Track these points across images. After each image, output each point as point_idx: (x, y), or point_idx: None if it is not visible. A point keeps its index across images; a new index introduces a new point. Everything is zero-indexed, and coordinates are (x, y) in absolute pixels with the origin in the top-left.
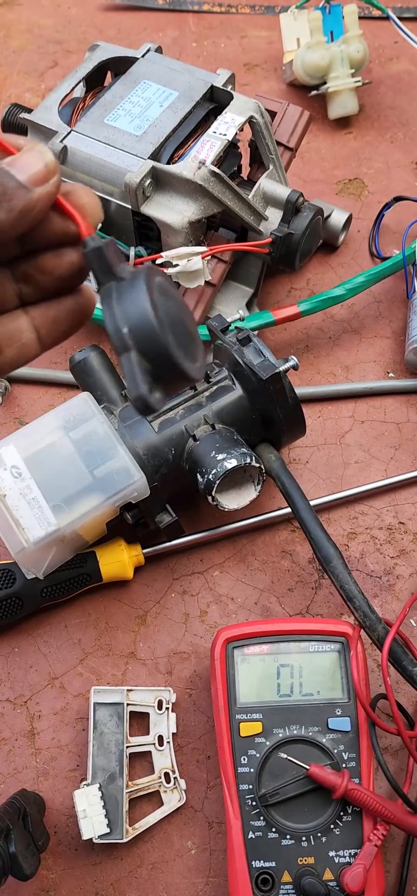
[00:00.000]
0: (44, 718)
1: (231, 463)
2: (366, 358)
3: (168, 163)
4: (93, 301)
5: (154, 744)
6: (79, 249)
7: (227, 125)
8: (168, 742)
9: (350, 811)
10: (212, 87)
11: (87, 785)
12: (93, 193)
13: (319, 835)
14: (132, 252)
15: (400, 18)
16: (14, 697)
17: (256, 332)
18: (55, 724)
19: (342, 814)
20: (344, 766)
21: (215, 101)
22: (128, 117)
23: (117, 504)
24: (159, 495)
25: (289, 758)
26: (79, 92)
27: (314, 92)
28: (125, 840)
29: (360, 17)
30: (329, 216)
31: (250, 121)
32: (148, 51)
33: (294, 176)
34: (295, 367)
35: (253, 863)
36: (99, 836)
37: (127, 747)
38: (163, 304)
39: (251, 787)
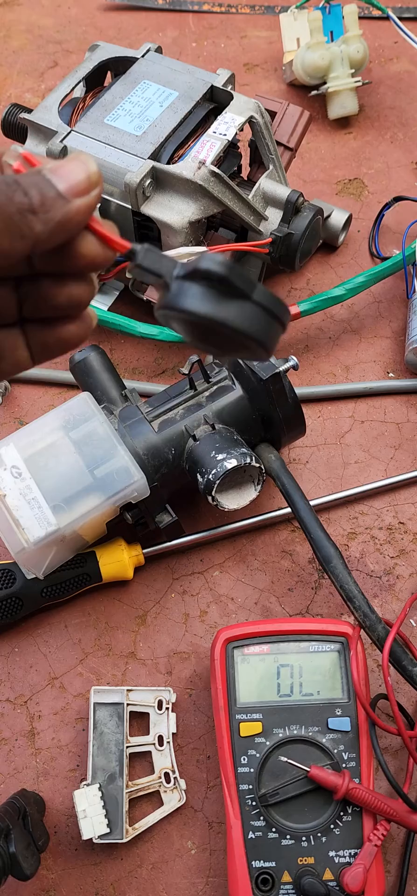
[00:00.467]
0: (44, 718)
1: (231, 463)
2: (366, 358)
3: (168, 163)
4: (91, 326)
5: (154, 744)
6: (82, 283)
7: (227, 125)
8: (168, 742)
9: (350, 811)
10: (212, 87)
11: (87, 785)
12: (111, 224)
13: (319, 835)
14: None
15: (400, 18)
16: (14, 697)
17: None
18: (55, 724)
19: (342, 814)
20: (344, 766)
21: (215, 101)
22: (128, 117)
23: (117, 504)
24: (159, 495)
25: (289, 760)
26: (79, 92)
27: (314, 92)
28: (125, 840)
29: (360, 17)
30: (329, 216)
31: (250, 121)
32: (148, 51)
33: (294, 176)
34: (294, 367)
35: (253, 863)
36: (99, 836)
37: (127, 747)
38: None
39: (251, 787)
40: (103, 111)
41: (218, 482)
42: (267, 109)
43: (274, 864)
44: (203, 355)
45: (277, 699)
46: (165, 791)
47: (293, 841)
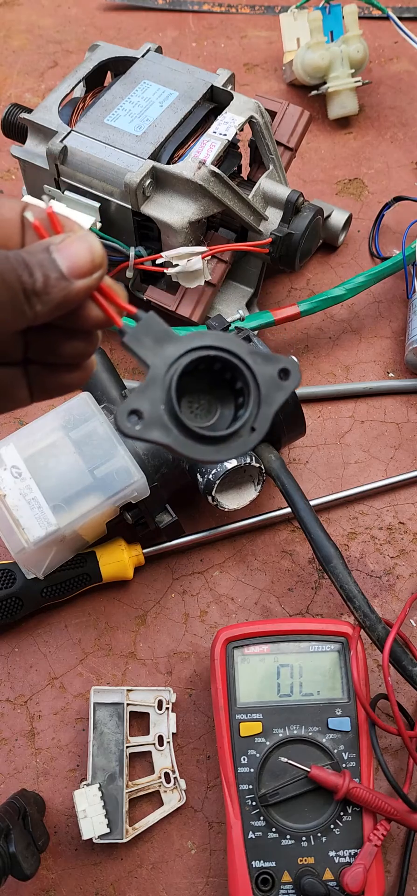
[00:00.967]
0: (44, 718)
1: (231, 463)
2: (366, 358)
3: (168, 163)
4: (91, 372)
5: (154, 744)
6: (86, 338)
7: (227, 125)
8: (168, 742)
9: (350, 811)
10: (212, 87)
11: (87, 785)
12: (121, 285)
13: (319, 835)
14: (132, 252)
15: (400, 18)
16: (14, 697)
17: (256, 332)
18: (55, 724)
19: (342, 814)
20: (344, 766)
21: (215, 101)
22: (128, 117)
23: (117, 504)
24: (159, 495)
25: (289, 761)
26: (79, 92)
27: (314, 92)
28: (125, 840)
29: (360, 17)
30: (329, 216)
31: (250, 121)
32: (148, 51)
33: (294, 176)
34: None
35: (253, 863)
36: (99, 836)
37: (127, 747)
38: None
39: (251, 787)
40: (103, 111)
41: (218, 482)
42: (267, 109)
43: (274, 864)
44: None
45: (277, 699)
46: (165, 791)
47: (293, 841)
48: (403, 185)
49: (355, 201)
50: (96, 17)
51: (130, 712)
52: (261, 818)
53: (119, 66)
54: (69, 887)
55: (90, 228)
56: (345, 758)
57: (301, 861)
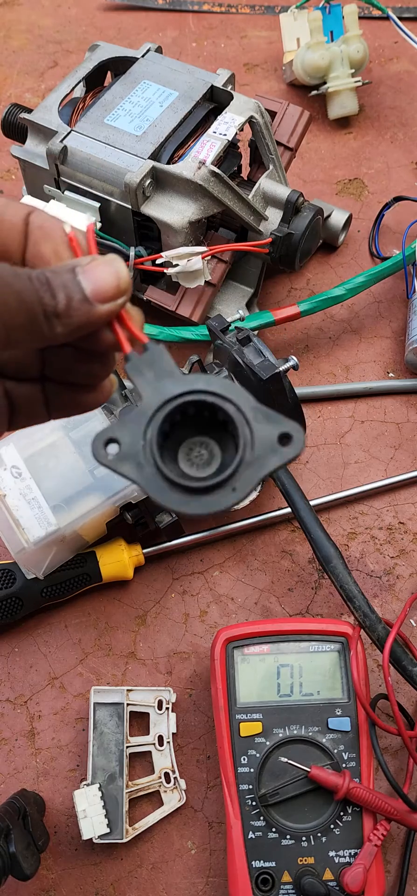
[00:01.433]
0: (44, 718)
1: None
2: (366, 358)
3: (168, 163)
4: (110, 393)
5: (154, 744)
6: (102, 360)
7: (227, 125)
8: (168, 742)
9: (350, 811)
10: (212, 87)
11: (87, 785)
12: (139, 311)
13: (319, 835)
14: (132, 252)
15: (400, 18)
16: (14, 697)
17: (256, 332)
18: (55, 724)
19: (342, 814)
20: (344, 766)
21: (215, 101)
22: (128, 117)
23: (117, 504)
24: None
25: (290, 761)
26: (80, 92)
27: (314, 92)
28: (125, 840)
29: (360, 17)
30: (329, 216)
31: (250, 121)
32: (148, 51)
33: (294, 176)
34: (295, 367)
35: (253, 863)
36: (99, 836)
37: (127, 747)
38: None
39: (251, 787)
40: (103, 111)
41: None
42: (267, 109)
43: (274, 864)
44: (203, 355)
45: (277, 699)
46: (165, 791)
47: (293, 841)
48: (403, 185)
49: (355, 201)
50: (96, 17)
51: (130, 712)
52: (261, 818)
53: (119, 66)
54: (69, 887)
55: None
56: (345, 758)
57: (301, 861)
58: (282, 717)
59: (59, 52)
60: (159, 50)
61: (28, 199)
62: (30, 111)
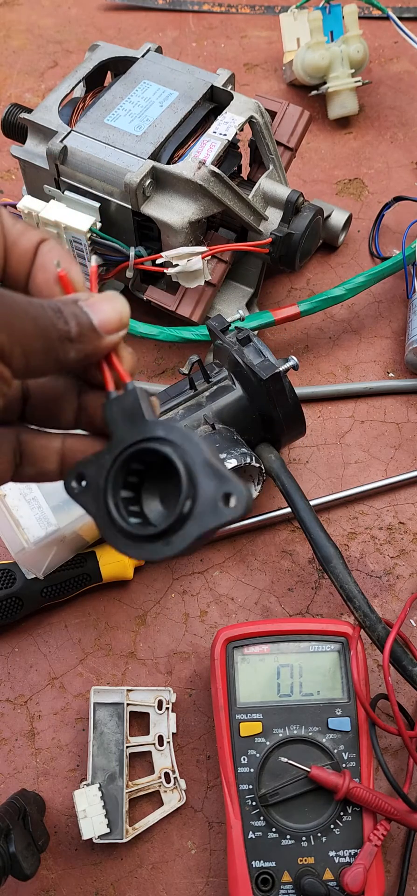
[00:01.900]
0: (44, 718)
1: (231, 463)
2: (366, 358)
3: (168, 163)
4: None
5: (154, 744)
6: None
7: (227, 125)
8: (168, 742)
9: (350, 811)
10: (212, 87)
11: (87, 785)
12: (130, 352)
13: (319, 835)
14: (132, 252)
15: (400, 18)
16: (14, 697)
17: (256, 332)
18: (55, 724)
19: (342, 814)
20: (344, 766)
21: (215, 101)
22: (128, 117)
23: None
24: None
25: (290, 761)
26: (80, 92)
27: (314, 92)
28: (125, 840)
29: (360, 17)
30: (329, 216)
31: (250, 121)
32: (148, 51)
33: (294, 176)
34: (295, 367)
35: (253, 863)
36: (99, 836)
37: (127, 747)
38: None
39: (251, 787)
40: (103, 111)
41: None
42: (267, 109)
43: (274, 864)
44: (203, 355)
45: (277, 699)
46: (165, 791)
47: (293, 841)
48: (403, 185)
49: (355, 201)
50: (96, 17)
51: (130, 712)
52: (261, 818)
53: (119, 66)
54: (69, 887)
55: (90, 228)
56: (345, 758)
57: (301, 861)
58: (282, 717)
59: (59, 52)
60: (159, 50)
61: (28, 200)
62: (30, 111)
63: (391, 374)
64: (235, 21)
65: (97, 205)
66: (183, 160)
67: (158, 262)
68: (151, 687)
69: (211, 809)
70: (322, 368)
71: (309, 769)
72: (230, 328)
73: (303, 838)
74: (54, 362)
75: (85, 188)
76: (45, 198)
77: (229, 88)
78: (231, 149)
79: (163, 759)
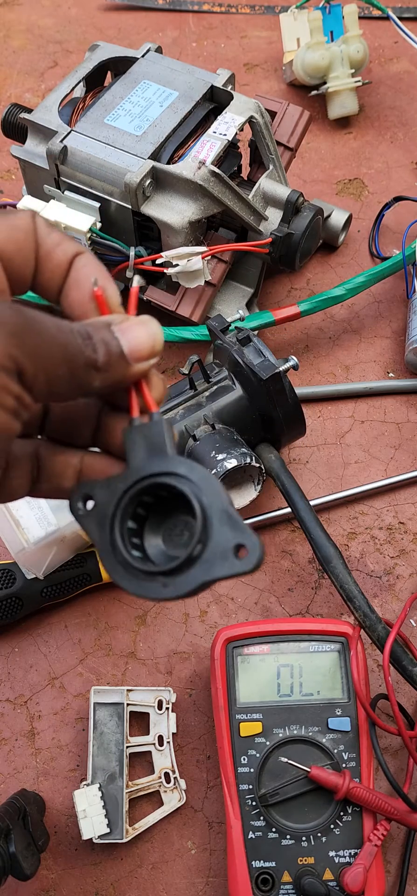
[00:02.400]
0: (44, 718)
1: (231, 463)
2: (366, 358)
3: (168, 163)
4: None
5: (154, 744)
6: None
7: (227, 125)
8: (168, 742)
9: (350, 811)
10: (212, 87)
11: (87, 785)
12: (161, 379)
13: (319, 835)
14: (132, 252)
15: (400, 18)
16: (14, 697)
17: (256, 332)
18: (55, 724)
19: (342, 814)
20: (344, 766)
21: (215, 101)
22: (128, 117)
23: None
24: None
25: (290, 761)
26: (80, 92)
27: (314, 92)
28: (125, 840)
29: (360, 17)
30: (329, 216)
31: (250, 121)
32: (148, 51)
33: (294, 176)
34: (295, 367)
35: (253, 863)
36: (99, 837)
37: (127, 747)
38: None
39: (251, 787)
40: (103, 111)
41: None
42: (267, 109)
43: (274, 864)
44: (203, 355)
45: (277, 699)
46: (165, 791)
47: (293, 841)
48: (403, 185)
49: (355, 201)
50: (96, 17)
51: (130, 712)
52: (261, 818)
53: (119, 66)
54: (69, 887)
55: (90, 228)
56: (345, 758)
57: (301, 861)
58: (282, 717)
59: (59, 52)
60: (159, 50)
61: (28, 200)
62: (30, 111)
63: (391, 374)
64: (235, 21)
65: (97, 205)
66: (183, 160)
67: (158, 262)
68: (151, 687)
69: (211, 809)
70: (322, 368)
71: (309, 769)
72: (230, 328)
73: (303, 838)
74: (77, 389)
75: (85, 188)
76: (45, 198)
77: (229, 88)
78: (231, 149)
79: (163, 759)
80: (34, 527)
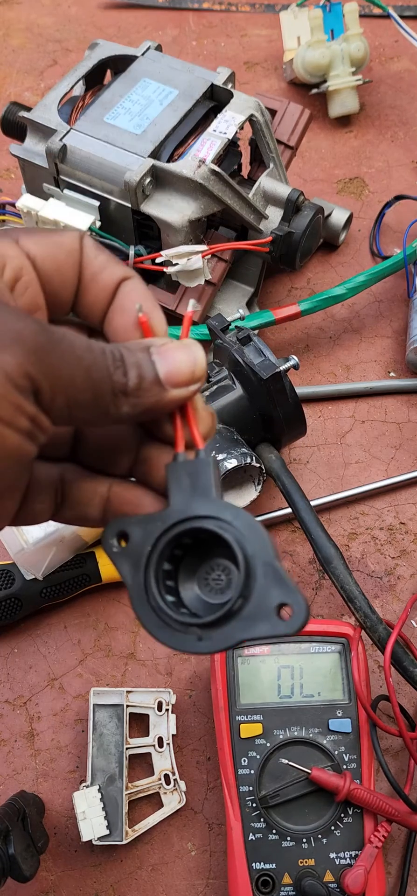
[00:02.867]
0: (43, 719)
1: (231, 463)
2: (367, 357)
3: (168, 161)
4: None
5: (154, 745)
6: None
7: (227, 123)
8: (168, 743)
9: (350, 812)
10: (212, 85)
11: (87, 786)
12: (210, 413)
13: (320, 836)
14: (132, 251)
15: (401, 17)
16: (13, 698)
17: (256, 332)
18: (54, 725)
19: (343, 815)
20: (344, 767)
21: (215, 100)
22: (128, 116)
23: None
24: None
25: (290, 762)
26: (79, 90)
27: (314, 90)
28: (125, 842)
29: (361, 16)
30: (329, 215)
31: (250, 119)
32: (148, 49)
33: (294, 175)
34: (295, 367)
35: (253, 864)
36: (98, 838)
37: (126, 749)
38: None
39: (251, 788)
40: (103, 109)
41: None
42: (267, 108)
43: (274, 865)
44: None
45: (278, 700)
46: (165, 793)
47: (293, 843)
48: (404, 184)
49: (355, 200)
50: (96, 16)
51: (130, 714)
52: (262, 820)
53: (119, 64)
54: (69, 889)
55: (90, 227)
56: (346, 759)
57: (301, 863)
58: (283, 719)
59: (58, 51)
60: (159, 48)
61: (27, 198)
62: (29, 109)
63: (392, 374)
64: (235, 19)
65: (96, 203)
66: (182, 158)
67: (158, 260)
68: (151, 688)
69: (211, 811)
70: (322, 368)
71: (309, 771)
72: (230, 327)
73: (304, 840)
74: (103, 415)
75: (84, 187)
76: (45, 196)
77: (229, 87)
78: (231, 147)
79: (163, 761)
80: (33, 527)
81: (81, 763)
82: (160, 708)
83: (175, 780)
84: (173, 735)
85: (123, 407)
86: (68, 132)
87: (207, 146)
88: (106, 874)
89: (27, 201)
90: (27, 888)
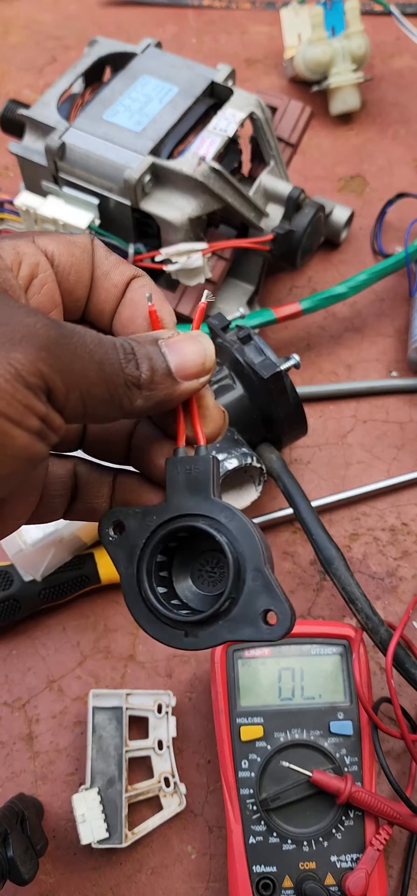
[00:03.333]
0: (42, 722)
1: (232, 463)
2: (368, 357)
3: (168, 159)
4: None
5: (153, 748)
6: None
7: (228, 121)
8: (167, 746)
9: (352, 815)
10: (213, 82)
11: (86, 789)
12: (222, 412)
13: (321, 839)
14: (131, 249)
15: (403, 14)
16: (12, 700)
17: (257, 331)
18: (53, 727)
19: (344, 818)
20: (346, 769)
21: (215, 97)
22: (128, 113)
23: None
24: None
25: (291, 765)
26: (78, 88)
27: (315, 87)
28: (124, 845)
29: (362, 13)
30: (330, 213)
31: (251, 117)
32: (147, 46)
33: (295, 172)
34: (296, 366)
35: (253, 868)
36: (98, 841)
37: (126, 751)
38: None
39: (252, 791)
40: (102, 107)
41: None
42: (268, 105)
43: (275, 868)
44: None
45: (278, 703)
46: (165, 795)
47: (294, 846)
48: (405, 182)
49: (357, 198)
50: (95, 13)
51: (129, 716)
52: (262, 823)
53: (118, 61)
54: (68, 892)
55: (89, 225)
56: (347, 762)
57: (302, 866)
58: (284, 721)
59: (57, 48)
60: (159, 45)
61: (26, 196)
62: (28, 107)
63: (393, 373)
64: (235, 16)
65: (96, 201)
66: (182, 156)
67: (157, 259)
68: (151, 690)
69: (211, 814)
70: (323, 367)
71: (310, 773)
72: (230, 326)
73: (305, 843)
74: (117, 410)
75: (83, 184)
76: (43, 194)
77: (229, 84)
78: (231, 145)
79: (163, 764)
80: (32, 528)
81: (80, 766)
82: (160, 710)
83: (175, 782)
84: (173, 737)
85: (137, 400)
86: (67, 130)
87: (207, 144)
88: (105, 877)
89: (26, 199)
90: (26, 891)
